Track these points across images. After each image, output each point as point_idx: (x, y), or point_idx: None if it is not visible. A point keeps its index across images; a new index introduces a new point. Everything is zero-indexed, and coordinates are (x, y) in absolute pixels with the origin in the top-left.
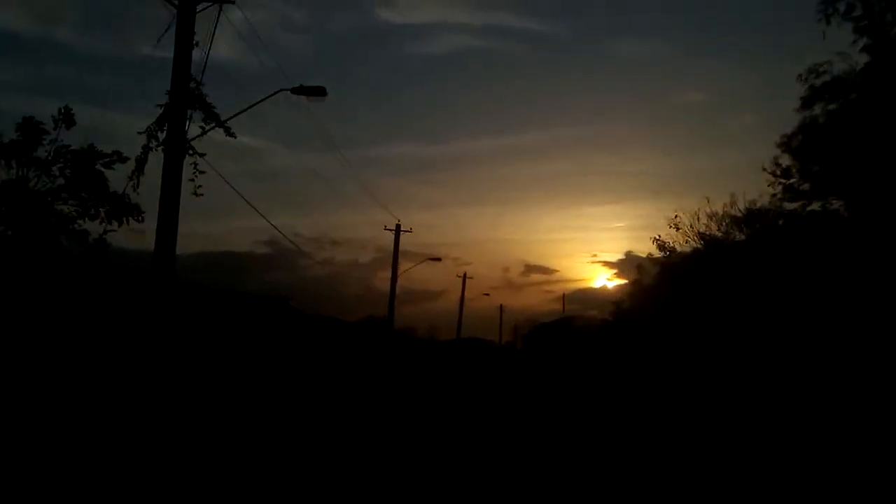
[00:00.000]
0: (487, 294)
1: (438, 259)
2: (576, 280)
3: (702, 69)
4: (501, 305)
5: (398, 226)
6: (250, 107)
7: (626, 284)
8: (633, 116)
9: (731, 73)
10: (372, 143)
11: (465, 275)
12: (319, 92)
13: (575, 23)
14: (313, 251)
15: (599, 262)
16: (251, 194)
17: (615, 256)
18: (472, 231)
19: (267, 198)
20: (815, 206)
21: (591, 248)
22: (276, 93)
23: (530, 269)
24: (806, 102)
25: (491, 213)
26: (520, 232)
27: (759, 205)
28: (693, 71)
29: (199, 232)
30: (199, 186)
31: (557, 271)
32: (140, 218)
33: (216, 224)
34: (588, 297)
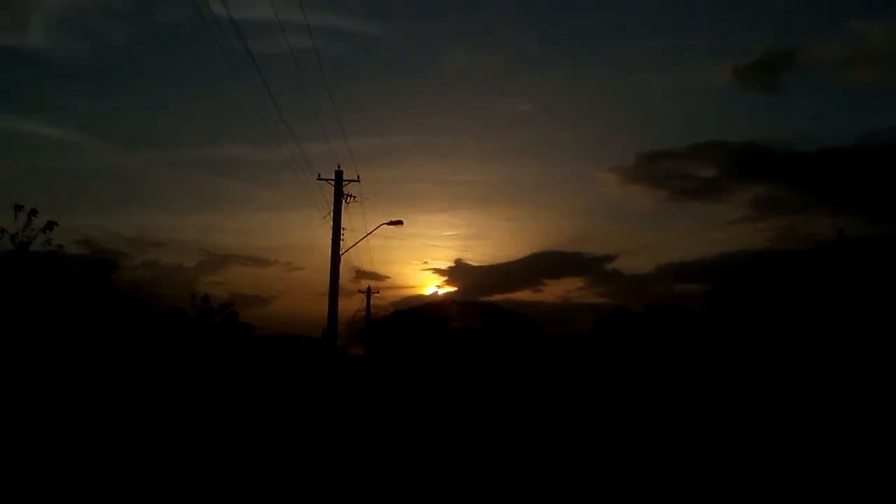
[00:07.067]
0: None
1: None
2: (407, 286)
3: (528, 80)
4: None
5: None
6: (361, 239)
7: None
8: (462, 125)
9: (557, 86)
10: (201, 142)
11: None
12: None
13: (406, 30)
14: (132, 252)
15: (431, 269)
16: (57, 191)
17: (446, 264)
18: (303, 236)
19: (78, 196)
20: None
21: (423, 255)
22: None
23: (361, 274)
24: None
25: (323, 218)
26: (352, 238)
27: None
28: (520, 82)
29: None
30: None
31: (389, 277)
32: None
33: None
34: (419, 303)
